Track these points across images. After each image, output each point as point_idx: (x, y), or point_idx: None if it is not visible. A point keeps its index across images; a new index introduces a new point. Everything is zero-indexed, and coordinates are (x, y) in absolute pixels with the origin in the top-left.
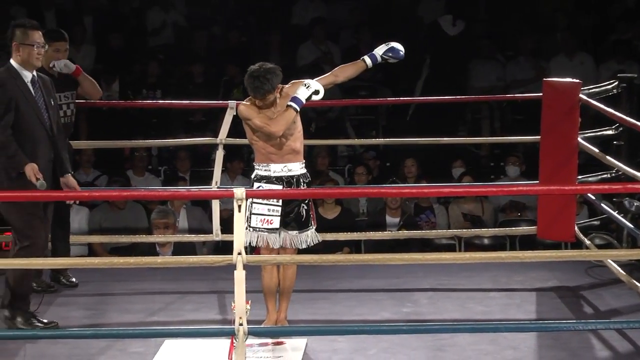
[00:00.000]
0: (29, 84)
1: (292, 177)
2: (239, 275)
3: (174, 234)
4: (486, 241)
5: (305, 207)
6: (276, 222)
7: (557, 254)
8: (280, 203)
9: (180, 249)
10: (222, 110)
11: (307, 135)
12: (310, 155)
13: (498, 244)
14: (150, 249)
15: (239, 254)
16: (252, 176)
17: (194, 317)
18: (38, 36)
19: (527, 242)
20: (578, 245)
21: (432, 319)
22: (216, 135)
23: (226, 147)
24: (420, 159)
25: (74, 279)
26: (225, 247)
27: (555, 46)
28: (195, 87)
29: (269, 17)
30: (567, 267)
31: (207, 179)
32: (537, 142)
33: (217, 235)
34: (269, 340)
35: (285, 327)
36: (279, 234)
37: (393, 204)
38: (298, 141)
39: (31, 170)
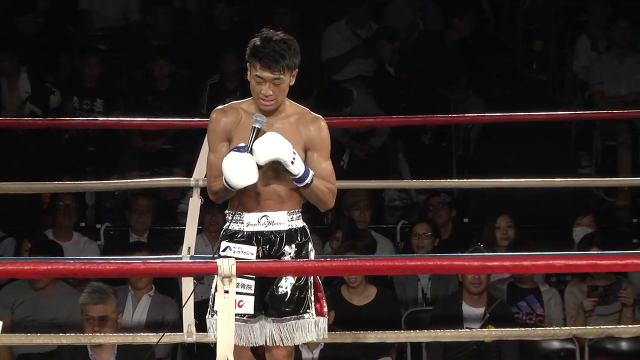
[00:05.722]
0: None
1: (274, 233)
2: None
3: (118, 329)
4: (624, 345)
5: (294, 282)
6: (249, 305)
7: None
8: (252, 275)
9: (130, 355)
10: (200, 133)
11: (338, 173)
12: (341, 204)
13: None
14: (81, 356)
15: None
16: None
17: None
18: None
19: None
20: None
21: None
22: (189, 174)
23: (205, 192)
24: (520, 214)
25: None
26: (202, 353)
27: None
28: (158, 96)
29: None
30: None
31: (172, 243)
32: None
33: (189, 334)
34: None
35: None
36: (259, 324)
37: (475, 286)
38: (286, 183)
39: None
